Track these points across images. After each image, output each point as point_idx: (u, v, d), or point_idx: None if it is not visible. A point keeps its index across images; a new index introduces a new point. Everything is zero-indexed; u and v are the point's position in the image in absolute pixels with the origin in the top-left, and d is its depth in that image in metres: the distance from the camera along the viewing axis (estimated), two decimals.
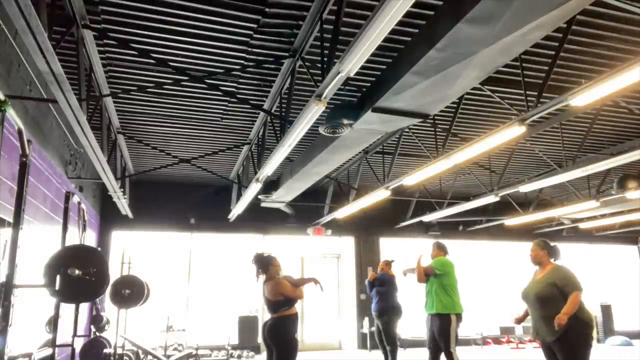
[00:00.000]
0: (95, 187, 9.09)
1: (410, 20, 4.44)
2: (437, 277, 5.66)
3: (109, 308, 7.39)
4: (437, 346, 5.55)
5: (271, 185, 8.64)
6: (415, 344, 11.21)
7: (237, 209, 9.15)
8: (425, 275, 5.78)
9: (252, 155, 7.83)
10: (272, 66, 5.34)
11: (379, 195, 8.50)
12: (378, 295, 7.38)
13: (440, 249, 5.93)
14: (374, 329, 7.93)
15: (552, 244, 4.29)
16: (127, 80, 5.65)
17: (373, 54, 3.57)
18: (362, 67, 3.84)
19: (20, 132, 3.03)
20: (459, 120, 6.64)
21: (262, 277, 4.75)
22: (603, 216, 10.88)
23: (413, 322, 11.24)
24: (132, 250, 7.82)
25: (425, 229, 12.00)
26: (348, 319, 11.32)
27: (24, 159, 3.07)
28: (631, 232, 12.65)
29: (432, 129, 7.07)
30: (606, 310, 12.44)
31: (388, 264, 7.70)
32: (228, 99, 6.16)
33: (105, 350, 6.49)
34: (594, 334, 4.01)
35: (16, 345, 4.28)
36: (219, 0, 4.23)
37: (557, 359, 3.96)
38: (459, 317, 5.58)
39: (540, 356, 4.22)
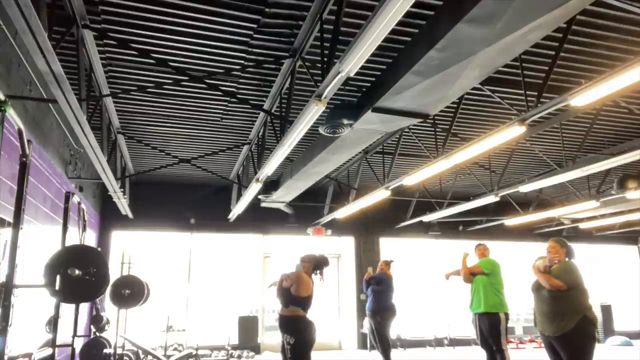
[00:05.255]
0: (95, 187, 9.09)
1: (410, 20, 4.44)
2: (486, 276, 5.81)
3: (109, 308, 7.38)
4: (490, 344, 5.67)
5: (271, 185, 8.64)
6: (415, 344, 11.23)
7: (237, 209, 9.15)
8: (472, 274, 5.93)
9: (252, 155, 7.82)
10: (272, 66, 5.34)
11: (379, 195, 8.50)
12: (373, 294, 7.39)
13: (486, 250, 6.13)
14: (368, 329, 7.94)
15: (568, 243, 4.33)
16: (127, 80, 5.65)
17: (373, 54, 3.56)
18: (362, 67, 3.83)
19: (20, 132, 3.03)
20: (459, 120, 6.64)
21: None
22: (603, 216, 10.88)
23: (413, 322, 11.29)
24: (132, 250, 7.82)
25: (425, 229, 12.00)
26: (348, 319, 11.33)
27: (24, 159, 3.07)
28: (631, 232, 12.65)
29: (432, 129, 7.06)
30: (606, 310, 12.44)
31: (387, 264, 7.73)
32: (228, 99, 6.16)
33: (105, 350, 6.49)
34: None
35: (16, 345, 4.28)
36: (219, 0, 4.23)
37: (559, 354, 3.98)
38: (507, 315, 5.73)
39: (540, 356, 4.23)
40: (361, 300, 11.14)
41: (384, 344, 7.22)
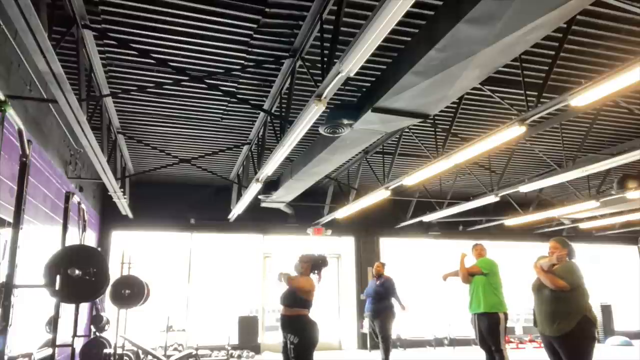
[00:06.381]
0: (95, 187, 9.09)
1: (410, 20, 4.44)
2: (485, 276, 5.81)
3: (109, 308, 7.39)
4: (488, 344, 5.68)
5: (271, 185, 8.64)
6: (415, 344, 11.23)
7: (237, 209, 9.15)
8: (470, 275, 5.93)
9: (252, 155, 7.82)
10: (272, 66, 5.34)
11: (379, 195, 8.50)
12: (374, 294, 7.38)
13: (483, 250, 6.13)
14: (367, 329, 7.98)
15: (569, 243, 4.32)
16: (127, 80, 5.65)
17: (373, 54, 3.56)
18: (362, 67, 3.84)
19: (20, 132, 3.03)
20: (459, 120, 6.64)
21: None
22: (603, 216, 10.88)
23: (413, 322, 11.29)
24: (132, 250, 7.82)
25: (425, 229, 12.00)
26: (348, 319, 11.32)
27: (24, 159, 3.08)
28: (631, 232, 12.64)
29: (432, 129, 7.06)
30: (606, 310, 12.44)
31: (383, 265, 7.76)
32: (228, 99, 6.16)
33: (105, 350, 6.49)
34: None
35: (16, 345, 4.28)
36: (219, 0, 4.24)
37: (558, 354, 3.98)
38: (506, 315, 5.74)
39: (539, 356, 4.23)
40: (361, 299, 11.14)
41: (385, 343, 7.20)
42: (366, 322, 10.62)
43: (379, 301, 7.32)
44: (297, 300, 4.47)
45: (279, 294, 4.72)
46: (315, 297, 4.57)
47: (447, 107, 5.47)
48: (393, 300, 7.44)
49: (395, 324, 7.55)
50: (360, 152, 7.40)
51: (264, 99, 6.12)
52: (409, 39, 4.66)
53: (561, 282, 3.96)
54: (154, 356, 7.05)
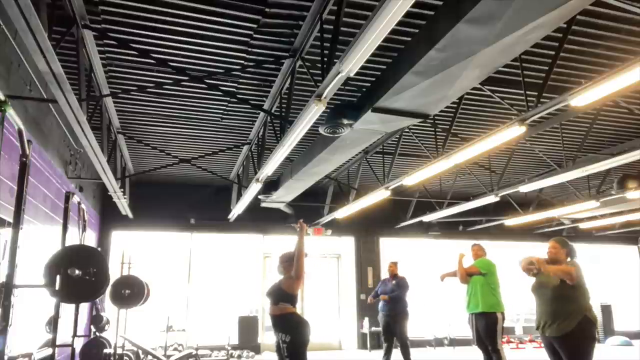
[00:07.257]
0: (95, 187, 9.09)
1: (410, 20, 4.44)
2: (483, 276, 5.84)
3: (109, 308, 7.39)
4: (486, 344, 5.69)
5: (271, 185, 8.64)
6: (415, 344, 11.21)
7: (237, 209, 9.15)
8: (468, 275, 5.95)
9: (252, 155, 7.83)
10: (272, 66, 5.34)
11: (379, 195, 8.50)
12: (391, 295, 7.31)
13: (481, 250, 6.15)
14: (375, 328, 7.85)
15: (570, 243, 4.29)
16: (127, 80, 5.65)
17: (373, 54, 3.57)
18: (362, 67, 3.84)
19: (20, 132, 3.03)
20: (459, 120, 6.64)
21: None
22: (603, 216, 10.88)
23: (413, 322, 11.28)
24: (132, 250, 7.82)
25: (425, 229, 12.00)
26: (348, 319, 11.32)
27: (24, 159, 3.08)
28: (631, 232, 12.64)
29: (432, 129, 7.06)
30: (606, 310, 12.44)
31: (396, 264, 7.68)
32: (228, 99, 6.16)
33: (105, 350, 6.49)
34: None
35: (16, 345, 4.28)
36: (219, 0, 4.24)
37: (559, 355, 3.97)
38: (503, 315, 5.75)
39: (539, 356, 4.22)
40: (361, 299, 11.12)
41: (405, 345, 7.12)
42: (366, 322, 10.64)
43: (394, 300, 7.24)
44: (282, 296, 4.44)
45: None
46: (299, 292, 4.52)
47: (447, 107, 5.47)
48: (407, 298, 7.34)
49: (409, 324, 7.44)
50: (360, 152, 7.40)
51: (264, 99, 6.12)
52: (409, 39, 4.66)
53: (568, 268, 3.91)
54: (154, 356, 7.05)
